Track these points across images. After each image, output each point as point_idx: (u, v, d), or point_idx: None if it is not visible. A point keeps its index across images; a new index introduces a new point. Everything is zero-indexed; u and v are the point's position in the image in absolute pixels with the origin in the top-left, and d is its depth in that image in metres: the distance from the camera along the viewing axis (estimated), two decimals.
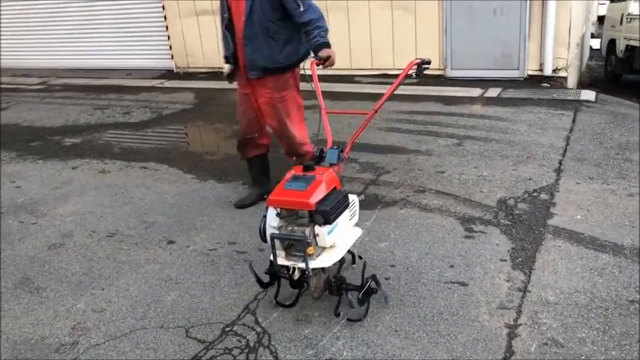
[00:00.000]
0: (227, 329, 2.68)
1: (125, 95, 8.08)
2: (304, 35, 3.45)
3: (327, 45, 3.34)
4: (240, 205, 3.99)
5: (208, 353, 2.52)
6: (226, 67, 3.82)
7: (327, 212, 2.45)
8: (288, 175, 2.62)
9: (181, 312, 2.84)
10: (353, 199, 2.73)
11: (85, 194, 4.47)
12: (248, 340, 2.59)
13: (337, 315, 2.66)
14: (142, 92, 8.23)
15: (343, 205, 2.59)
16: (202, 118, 6.80)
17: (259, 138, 3.94)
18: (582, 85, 8.74)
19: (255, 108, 3.79)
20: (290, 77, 3.68)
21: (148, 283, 3.12)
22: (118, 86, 8.70)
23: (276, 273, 2.73)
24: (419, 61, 3.02)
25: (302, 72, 3.24)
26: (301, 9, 3.35)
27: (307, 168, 2.62)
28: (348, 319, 2.67)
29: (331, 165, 2.76)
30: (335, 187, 2.63)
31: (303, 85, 3.75)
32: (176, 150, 5.57)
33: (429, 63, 3.06)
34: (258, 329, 2.66)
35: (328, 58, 3.26)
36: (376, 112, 2.95)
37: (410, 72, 3.02)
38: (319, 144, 2.90)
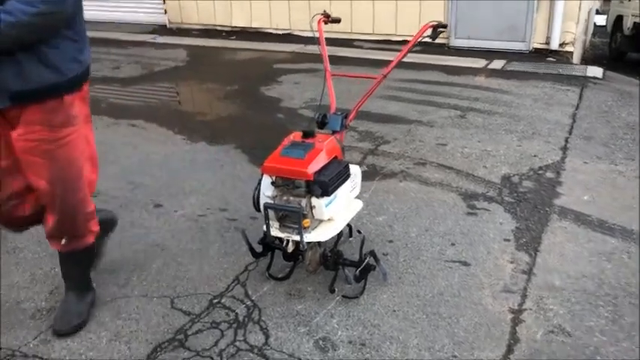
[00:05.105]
0: (215, 301, 2.52)
1: (114, 49, 7.76)
2: None
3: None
4: (64, 333, 2.36)
5: (194, 326, 2.36)
6: None
7: (326, 183, 2.28)
8: (286, 141, 2.44)
9: (166, 281, 2.68)
10: (355, 170, 2.56)
11: None
12: (237, 313, 2.43)
13: (332, 291, 2.52)
14: (133, 47, 7.91)
15: (344, 176, 2.42)
16: (195, 76, 6.52)
17: (27, 201, 2.26)
18: (586, 61, 8.53)
19: (11, 157, 2.14)
20: (77, 101, 2.16)
21: (132, 249, 2.94)
22: (107, 39, 8.34)
23: (269, 244, 2.57)
24: (435, 23, 2.80)
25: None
26: None
27: (307, 134, 2.44)
28: (343, 296, 2.52)
29: (333, 132, 2.58)
30: (336, 157, 2.45)
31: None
32: (166, 109, 5.33)
33: (445, 27, 2.84)
34: (248, 302, 2.51)
35: None
36: (385, 77, 2.74)
37: (423, 37, 2.81)
38: (321, 109, 2.70)
